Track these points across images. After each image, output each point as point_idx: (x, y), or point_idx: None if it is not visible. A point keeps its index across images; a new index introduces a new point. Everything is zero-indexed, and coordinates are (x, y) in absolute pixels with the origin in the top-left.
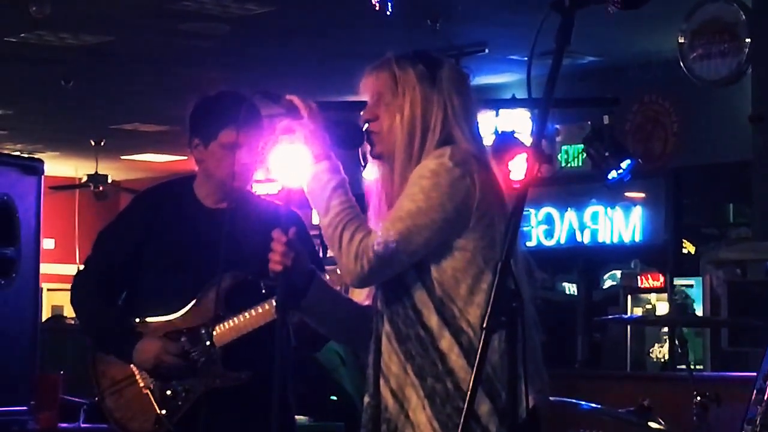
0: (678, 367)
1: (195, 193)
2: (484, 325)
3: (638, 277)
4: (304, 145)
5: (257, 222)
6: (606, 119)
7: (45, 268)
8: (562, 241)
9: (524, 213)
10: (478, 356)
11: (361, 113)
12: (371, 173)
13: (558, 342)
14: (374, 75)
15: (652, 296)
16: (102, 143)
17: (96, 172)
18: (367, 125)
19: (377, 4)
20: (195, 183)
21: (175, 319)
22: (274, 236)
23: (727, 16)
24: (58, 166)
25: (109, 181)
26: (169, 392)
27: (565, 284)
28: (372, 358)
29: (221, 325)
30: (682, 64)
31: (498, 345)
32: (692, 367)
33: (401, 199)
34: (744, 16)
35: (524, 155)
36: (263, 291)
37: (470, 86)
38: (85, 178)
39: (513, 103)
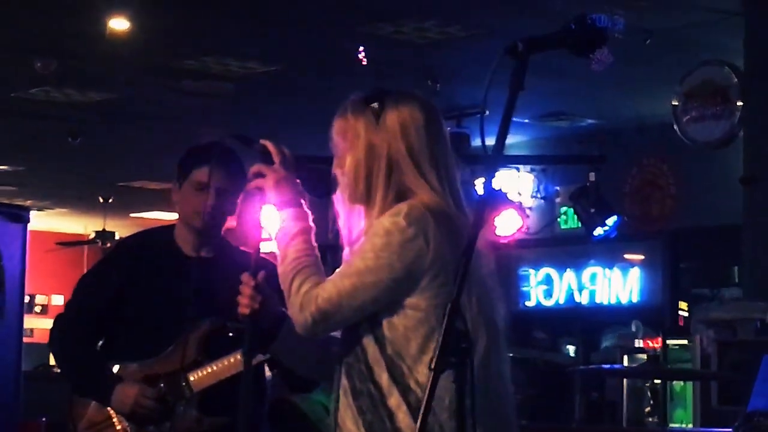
0: (671, 425)
1: (175, 240)
2: (433, 366)
3: (636, 340)
4: (273, 190)
5: (236, 270)
6: (592, 176)
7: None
8: (561, 302)
9: (524, 273)
10: (425, 398)
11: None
12: (340, 219)
13: (556, 402)
14: (335, 122)
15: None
16: (110, 200)
17: (104, 229)
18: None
19: (364, 60)
20: (175, 231)
21: (153, 363)
22: (243, 279)
23: (720, 79)
24: (66, 222)
25: (117, 238)
26: None
27: (569, 347)
28: (332, 409)
29: (199, 370)
30: (675, 126)
31: (448, 403)
32: (680, 424)
33: (354, 254)
34: (736, 79)
35: (511, 211)
36: (230, 334)
37: (430, 126)
38: (92, 235)
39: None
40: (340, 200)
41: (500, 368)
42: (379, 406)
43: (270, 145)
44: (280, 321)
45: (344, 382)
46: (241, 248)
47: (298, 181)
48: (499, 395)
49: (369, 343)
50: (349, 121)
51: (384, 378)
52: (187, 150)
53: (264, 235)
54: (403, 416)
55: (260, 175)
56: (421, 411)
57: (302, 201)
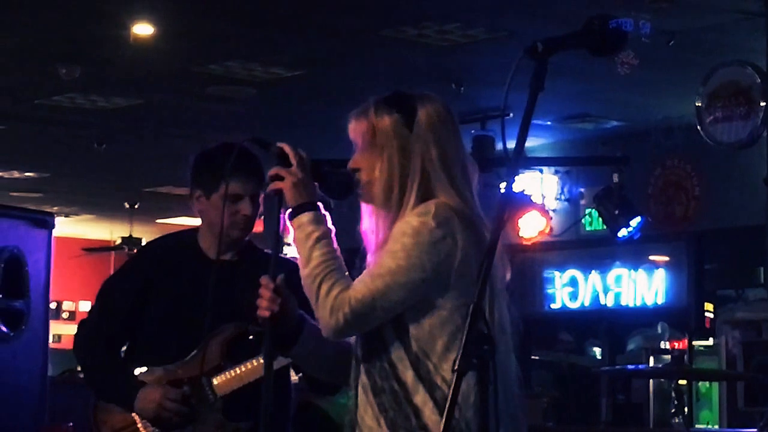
0: (697, 426)
1: (199, 244)
2: (455, 367)
3: (662, 342)
4: (290, 193)
5: (259, 273)
6: (615, 178)
7: None
8: (587, 304)
9: (549, 275)
10: (449, 398)
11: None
12: (365, 221)
13: (583, 404)
14: (354, 122)
15: None
16: (136, 206)
17: (130, 234)
18: (355, 174)
19: None
20: (198, 235)
21: (176, 368)
22: (262, 282)
23: (743, 80)
24: (93, 228)
25: (143, 244)
26: None
27: (595, 349)
28: (351, 406)
29: (222, 374)
30: (699, 127)
31: (473, 401)
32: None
33: (383, 254)
34: (759, 80)
35: (534, 213)
36: (251, 338)
37: (455, 130)
38: (119, 241)
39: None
40: (366, 205)
41: (511, 370)
42: (403, 403)
43: (287, 148)
44: (300, 324)
45: (363, 379)
46: (266, 251)
47: (315, 183)
48: (513, 396)
49: (393, 341)
50: (373, 122)
51: (409, 375)
52: (201, 157)
53: (286, 239)
54: (429, 413)
55: (278, 177)
56: (445, 412)
57: (320, 204)
